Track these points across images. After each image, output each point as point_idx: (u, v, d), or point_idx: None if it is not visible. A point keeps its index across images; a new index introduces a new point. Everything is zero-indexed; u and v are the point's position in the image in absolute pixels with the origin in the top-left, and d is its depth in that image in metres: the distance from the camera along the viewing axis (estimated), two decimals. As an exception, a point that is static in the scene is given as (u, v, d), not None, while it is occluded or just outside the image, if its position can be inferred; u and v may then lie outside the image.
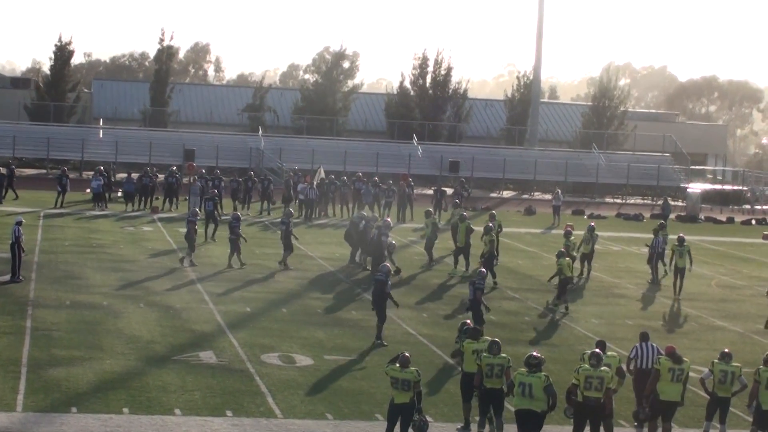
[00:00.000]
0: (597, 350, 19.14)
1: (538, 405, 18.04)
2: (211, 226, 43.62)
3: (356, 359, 25.07)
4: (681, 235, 37.17)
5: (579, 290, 36.86)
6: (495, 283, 36.08)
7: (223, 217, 45.22)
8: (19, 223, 32.75)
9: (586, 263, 39.46)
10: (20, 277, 32.02)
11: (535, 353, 18.64)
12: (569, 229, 39.09)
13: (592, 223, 41.39)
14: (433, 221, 41.91)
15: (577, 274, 39.17)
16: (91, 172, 57.03)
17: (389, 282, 27.25)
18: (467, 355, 20.12)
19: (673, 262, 36.31)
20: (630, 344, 22.98)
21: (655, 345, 21.15)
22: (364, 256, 38.34)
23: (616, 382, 19.59)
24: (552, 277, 33.37)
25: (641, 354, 20.99)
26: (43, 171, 72.53)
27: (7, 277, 32.17)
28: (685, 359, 19.81)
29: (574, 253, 37.49)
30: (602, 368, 18.59)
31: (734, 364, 19.94)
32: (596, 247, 40.27)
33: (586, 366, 18.60)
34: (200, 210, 44.97)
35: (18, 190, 56.37)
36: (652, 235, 40.09)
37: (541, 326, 30.45)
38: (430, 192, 61.57)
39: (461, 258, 38.68)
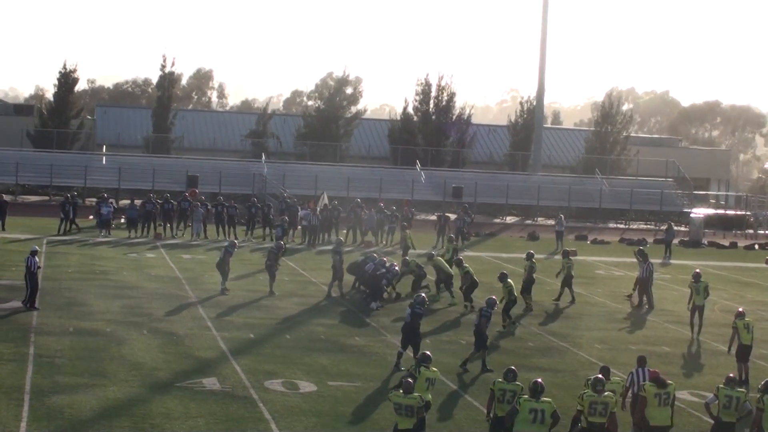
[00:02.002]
0: (600, 376, 19.17)
1: (545, 431, 18.05)
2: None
3: (360, 385, 25.04)
4: (697, 271, 35.08)
5: (572, 315, 36.87)
6: (466, 305, 36.41)
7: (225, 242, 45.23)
8: (34, 253, 32.61)
9: (567, 289, 39.45)
10: (28, 305, 31.92)
11: (539, 379, 18.63)
12: (531, 252, 39.22)
13: (566, 248, 41.76)
14: (454, 246, 43.30)
15: (554, 298, 39.38)
16: (95, 199, 56.85)
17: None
18: (420, 382, 19.89)
19: (691, 300, 34.06)
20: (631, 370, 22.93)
21: (649, 370, 21.13)
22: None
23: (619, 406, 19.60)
24: (503, 299, 33.48)
25: (637, 381, 21.04)
26: (46, 198, 72.61)
27: (17, 304, 32.20)
28: (669, 382, 19.82)
29: (535, 275, 37.68)
30: (606, 393, 18.62)
31: (739, 389, 19.92)
32: (599, 272, 40.27)
33: (590, 392, 18.60)
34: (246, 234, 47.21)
35: (21, 217, 56.38)
36: (636, 259, 40.24)
37: (544, 352, 30.39)
38: (434, 218, 61.59)
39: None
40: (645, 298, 39.27)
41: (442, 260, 39.43)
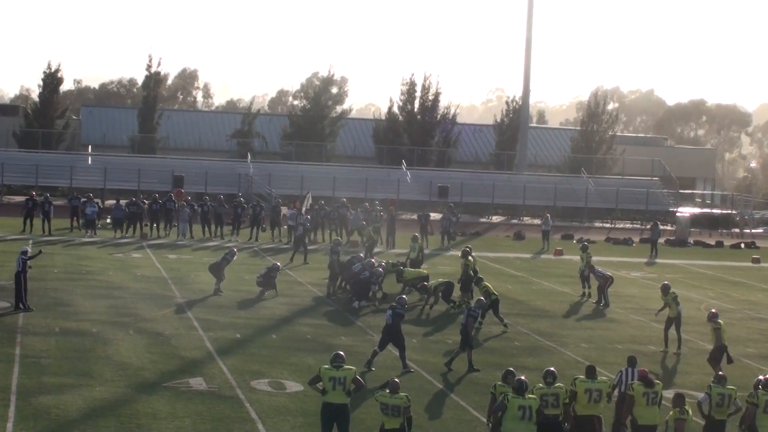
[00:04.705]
0: (551, 368, 19.40)
1: (533, 429, 18.11)
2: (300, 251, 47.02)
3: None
4: (666, 283, 33.43)
5: (559, 314, 36.92)
6: (452, 306, 36.18)
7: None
8: (24, 253, 32.46)
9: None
10: (22, 306, 31.75)
11: (522, 377, 18.69)
12: (467, 248, 39.11)
13: (468, 246, 41.35)
14: (420, 245, 42.87)
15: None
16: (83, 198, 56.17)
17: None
18: (324, 382, 19.28)
19: (662, 310, 32.65)
20: (620, 369, 22.96)
21: (638, 370, 21.14)
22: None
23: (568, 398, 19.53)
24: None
25: (625, 380, 21.04)
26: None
27: (4, 304, 32.13)
28: (656, 381, 19.88)
29: (471, 272, 37.52)
30: (557, 385, 18.97)
31: (729, 386, 19.99)
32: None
33: (541, 385, 18.84)
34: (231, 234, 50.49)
35: (7, 217, 56.14)
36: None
37: (531, 351, 30.42)
38: (415, 217, 61.59)
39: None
40: (602, 296, 39.38)
41: (409, 270, 39.35)
